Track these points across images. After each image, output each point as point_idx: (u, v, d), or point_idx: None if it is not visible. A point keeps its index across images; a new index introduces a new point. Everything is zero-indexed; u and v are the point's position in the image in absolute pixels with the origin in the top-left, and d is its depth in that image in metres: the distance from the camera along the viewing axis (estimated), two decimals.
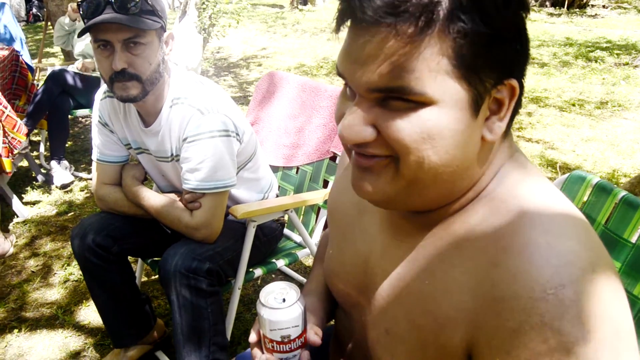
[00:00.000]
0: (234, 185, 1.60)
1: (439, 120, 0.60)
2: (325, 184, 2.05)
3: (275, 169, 2.19)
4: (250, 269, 1.81)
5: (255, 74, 6.21)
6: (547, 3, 11.07)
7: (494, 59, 0.60)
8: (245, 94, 5.41)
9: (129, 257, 1.77)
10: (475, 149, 0.65)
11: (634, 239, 1.10)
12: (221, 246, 1.62)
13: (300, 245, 2.07)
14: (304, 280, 2.45)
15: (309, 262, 2.66)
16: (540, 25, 9.22)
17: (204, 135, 1.51)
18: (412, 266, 0.73)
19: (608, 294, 0.57)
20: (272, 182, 1.94)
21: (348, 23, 0.63)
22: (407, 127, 0.61)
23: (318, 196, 1.91)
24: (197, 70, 4.26)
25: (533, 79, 5.99)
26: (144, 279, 2.51)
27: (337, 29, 0.65)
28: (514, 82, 0.63)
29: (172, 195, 1.68)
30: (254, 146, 1.77)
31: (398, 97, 0.60)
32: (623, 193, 1.13)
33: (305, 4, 10.96)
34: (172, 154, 1.64)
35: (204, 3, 4.04)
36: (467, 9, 0.57)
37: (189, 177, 1.54)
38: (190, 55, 4.03)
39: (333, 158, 2.04)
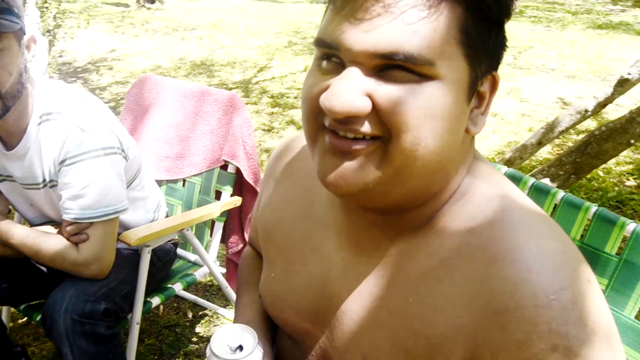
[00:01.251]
0: (127, 210, 1.40)
1: (443, 98, 0.55)
2: (218, 194, 1.92)
3: (157, 183, 2.00)
4: (146, 299, 1.63)
5: (107, 79, 5.74)
6: None
7: (490, 45, 0.58)
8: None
9: None
10: (459, 140, 0.61)
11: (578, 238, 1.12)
12: (115, 280, 1.43)
13: (195, 264, 1.92)
14: (210, 304, 2.28)
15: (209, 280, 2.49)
16: None
17: (87, 156, 1.30)
18: (388, 283, 0.66)
19: (596, 290, 0.58)
20: (160, 200, 1.76)
21: None
22: (411, 101, 0.54)
23: (214, 209, 1.77)
24: (44, 77, 3.81)
25: None
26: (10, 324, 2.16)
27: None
28: (497, 75, 0.62)
29: (48, 228, 1.44)
30: (139, 161, 1.58)
31: (401, 67, 0.54)
32: (562, 193, 1.13)
33: (153, 2, 10.40)
34: (44, 180, 1.40)
35: (45, 2, 3.60)
36: None
37: (72, 206, 1.33)
38: (35, 61, 3.58)
39: (224, 167, 1.91)
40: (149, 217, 1.66)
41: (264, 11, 10.24)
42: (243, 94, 5.28)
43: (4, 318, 1.94)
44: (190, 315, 2.23)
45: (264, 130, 4.41)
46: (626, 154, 3.72)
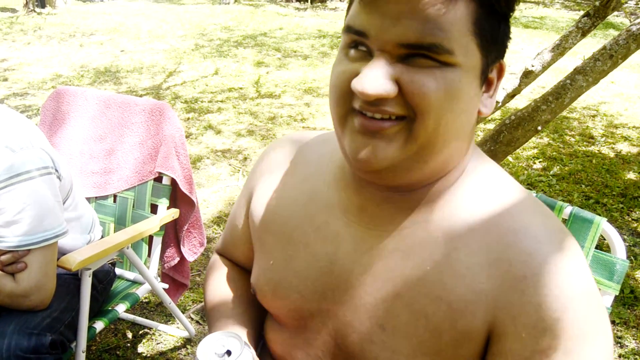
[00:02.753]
0: (67, 232, 1.32)
1: (460, 82, 0.62)
2: (154, 208, 1.84)
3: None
4: (89, 324, 1.54)
5: (3, 91, 5.32)
6: None
7: (499, 36, 0.65)
8: None
9: None
10: (473, 120, 0.68)
11: None
12: (57, 309, 1.34)
13: (135, 282, 1.84)
14: (150, 322, 2.18)
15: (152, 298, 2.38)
16: (292, 20, 9.76)
17: (19, 178, 1.21)
18: (403, 254, 0.70)
19: (584, 258, 0.69)
20: (94, 218, 1.67)
21: None
22: (434, 84, 0.61)
23: (154, 224, 1.70)
24: None
25: (300, 70, 6.31)
26: None
27: None
28: (504, 63, 0.69)
29: None
30: (71, 179, 1.49)
31: (425, 55, 0.60)
32: (533, 193, 1.18)
33: (43, 6, 9.74)
34: None
35: None
36: None
37: (6, 233, 1.22)
38: None
39: (158, 179, 1.84)
40: (85, 239, 1.57)
41: (165, 14, 9.93)
42: None
43: None
44: (130, 335, 2.13)
45: None
46: (531, 139, 4.00)
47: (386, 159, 0.64)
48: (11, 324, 1.22)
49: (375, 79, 0.60)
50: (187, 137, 4.29)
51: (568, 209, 1.14)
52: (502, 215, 0.68)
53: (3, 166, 1.20)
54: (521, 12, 10.95)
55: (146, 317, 2.22)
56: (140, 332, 2.15)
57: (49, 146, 1.33)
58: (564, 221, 1.14)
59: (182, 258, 1.99)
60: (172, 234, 1.96)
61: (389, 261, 0.71)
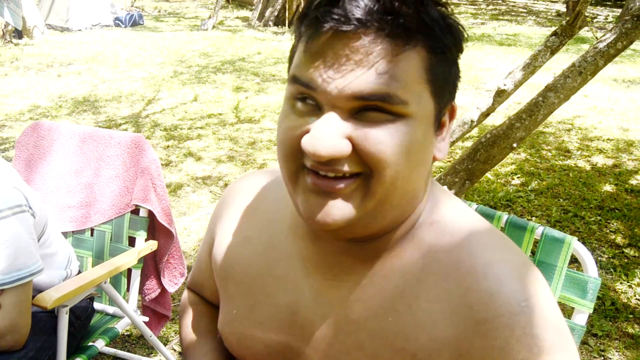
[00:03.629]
0: (42, 270, 1.30)
1: (415, 133, 0.60)
2: (132, 241, 1.83)
3: (63, 235, 1.87)
4: None
5: None
6: (270, 22, 11.87)
7: (451, 80, 0.64)
8: None
9: None
10: (429, 167, 0.67)
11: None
12: (33, 348, 1.32)
13: (115, 316, 1.81)
14: (132, 355, 2.14)
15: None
16: (270, 44, 9.85)
17: None
18: (364, 305, 0.68)
19: (549, 291, 0.66)
20: (70, 253, 1.65)
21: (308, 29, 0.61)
22: (388, 139, 0.59)
23: (131, 258, 1.69)
24: None
25: (279, 94, 6.35)
26: None
27: (312, 36, 0.59)
28: (455, 104, 0.68)
29: None
30: (45, 216, 1.48)
31: (377, 108, 0.59)
32: (506, 216, 1.20)
33: (20, 37, 9.71)
34: None
35: None
36: (445, 25, 0.61)
37: None
38: None
39: (136, 211, 1.83)
40: (61, 275, 1.55)
41: (144, 41, 9.95)
42: (134, 129, 5.09)
43: None
44: None
45: (162, 164, 4.28)
46: (509, 156, 4.07)
47: (342, 219, 0.62)
48: None
49: (328, 138, 0.57)
50: (167, 165, 4.28)
51: (539, 230, 1.16)
52: (461, 256, 0.66)
53: None
54: (495, 29, 11.18)
55: (128, 351, 2.19)
56: None
57: (22, 184, 1.32)
58: (536, 242, 1.16)
59: (163, 289, 1.97)
60: (152, 265, 1.95)
61: (350, 312, 0.69)
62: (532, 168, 4.04)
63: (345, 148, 0.58)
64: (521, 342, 0.61)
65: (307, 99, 0.61)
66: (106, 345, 1.67)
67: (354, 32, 0.57)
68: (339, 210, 0.61)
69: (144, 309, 1.99)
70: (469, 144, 4.42)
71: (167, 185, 3.88)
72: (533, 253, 1.17)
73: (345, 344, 0.69)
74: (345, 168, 0.60)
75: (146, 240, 1.83)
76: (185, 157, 4.43)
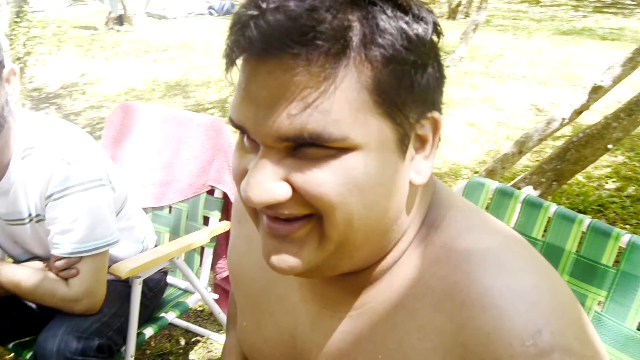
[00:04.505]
0: (118, 242, 1.37)
1: (366, 167, 0.51)
2: (206, 220, 1.89)
3: (143, 210, 1.96)
4: (139, 330, 1.59)
5: (81, 104, 5.66)
6: None
7: (417, 90, 0.52)
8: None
9: None
10: (404, 195, 0.57)
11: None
12: (107, 314, 1.39)
13: (187, 291, 1.88)
14: (202, 330, 2.23)
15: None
16: None
17: (74, 189, 1.27)
18: (355, 339, 0.63)
19: (576, 320, 0.54)
20: (148, 228, 1.73)
21: (240, 60, 0.52)
22: (330, 179, 0.51)
23: (204, 236, 1.74)
24: (18, 104, 3.73)
25: None
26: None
27: (229, 67, 0.52)
28: (437, 115, 0.56)
29: (37, 264, 1.39)
30: (126, 190, 1.55)
31: (314, 144, 0.50)
32: (588, 220, 1.12)
33: (121, 24, 10.30)
34: (30, 215, 1.36)
35: (13, 30, 3.54)
36: (385, 31, 0.49)
37: (60, 241, 1.29)
38: (15, 93, 3.51)
39: (211, 192, 1.89)
40: (137, 248, 1.62)
41: None
42: (220, 113, 5.26)
43: None
44: (182, 342, 2.19)
45: None
46: (604, 157, 3.80)
47: (299, 266, 0.56)
48: (63, 326, 1.28)
49: (260, 185, 0.51)
50: None
51: (626, 237, 1.07)
52: (458, 283, 0.56)
53: (59, 178, 1.27)
54: (597, 22, 10.49)
55: (200, 325, 2.27)
56: (193, 340, 2.20)
57: (104, 159, 1.39)
58: (621, 250, 1.07)
59: None
60: (225, 246, 2.00)
61: (343, 345, 0.64)
62: (629, 172, 3.76)
63: (281, 193, 0.52)
64: None
65: (248, 135, 0.55)
66: (177, 318, 1.74)
67: (269, 60, 0.49)
68: (293, 256, 0.56)
69: (215, 287, 2.05)
70: (559, 143, 4.18)
71: None
72: (617, 262, 1.07)
73: None
74: (291, 211, 0.53)
75: (220, 220, 1.88)
76: None
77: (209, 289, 1.91)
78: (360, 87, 0.49)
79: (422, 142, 0.57)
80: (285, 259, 0.56)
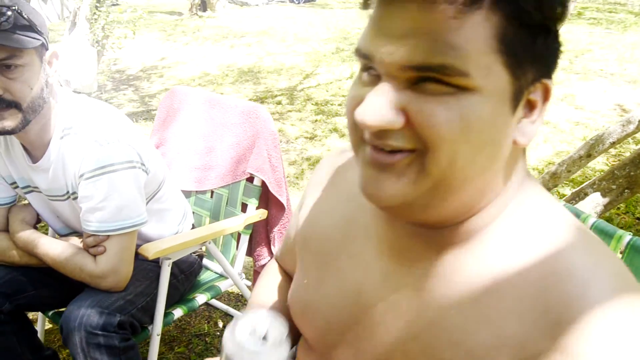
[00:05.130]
0: (145, 223, 1.41)
1: (480, 109, 0.54)
2: (244, 207, 1.90)
3: (187, 194, 2.01)
4: (169, 310, 1.63)
5: (157, 86, 5.90)
6: None
7: (537, 52, 0.56)
8: (148, 108, 5.10)
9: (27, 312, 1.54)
10: (506, 152, 0.59)
11: None
12: (133, 292, 1.43)
13: (221, 276, 1.91)
14: (232, 310, 2.27)
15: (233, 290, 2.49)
16: None
17: (104, 170, 1.32)
18: (429, 295, 0.64)
19: None
20: (186, 211, 1.77)
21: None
22: (445, 114, 0.53)
23: (238, 222, 1.76)
24: (93, 86, 3.95)
25: None
26: (49, 326, 2.22)
27: (366, 4, 0.59)
28: (549, 83, 0.59)
29: (73, 239, 1.46)
30: (163, 173, 1.59)
31: (436, 79, 0.53)
32: (628, 237, 1.01)
33: (204, 10, 10.63)
34: (67, 192, 1.43)
35: (95, 13, 3.73)
36: None
37: (90, 218, 1.35)
38: (84, 70, 3.71)
39: (251, 179, 1.90)
40: (172, 230, 1.66)
41: (313, 17, 10.28)
42: (288, 101, 5.31)
43: (39, 325, 2.00)
44: (220, 324, 2.24)
45: (306, 137, 4.41)
46: None
47: (395, 196, 0.58)
48: (88, 301, 1.33)
49: (377, 108, 0.54)
50: (311, 138, 4.39)
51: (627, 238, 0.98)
52: (546, 257, 0.59)
53: (91, 159, 1.32)
54: None
55: (239, 310, 2.31)
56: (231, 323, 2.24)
57: (138, 142, 1.43)
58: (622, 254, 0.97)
59: (273, 257, 2.04)
60: (264, 233, 2.01)
61: (413, 301, 0.66)
62: None
63: (395, 119, 0.54)
64: (596, 357, 0.52)
65: (371, 69, 0.58)
66: (208, 301, 1.77)
67: None
68: (391, 186, 0.58)
69: (255, 274, 2.07)
70: (635, 147, 3.88)
71: (307, 158, 3.99)
72: None
73: (401, 331, 0.66)
74: (398, 143, 0.56)
75: (258, 208, 1.89)
76: (330, 132, 4.51)
77: (243, 275, 1.93)
78: (489, 33, 0.53)
79: (530, 107, 0.59)
80: (383, 189, 0.58)
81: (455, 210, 0.61)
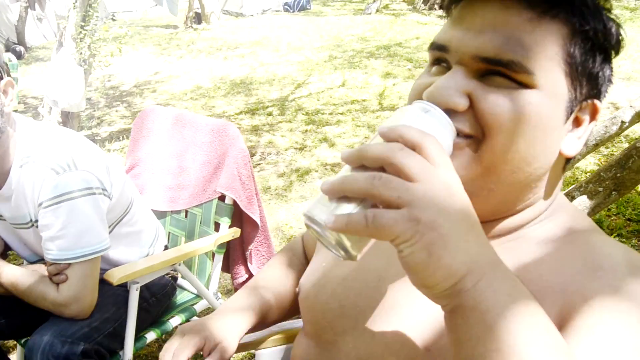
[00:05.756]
0: (107, 249, 1.41)
1: (539, 106, 0.58)
2: (217, 226, 1.90)
3: (163, 214, 2.01)
4: (142, 334, 1.63)
5: (149, 102, 5.92)
6: (436, 6, 11.51)
7: (594, 71, 0.61)
8: None
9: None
10: (551, 159, 0.63)
11: None
12: (99, 319, 1.43)
13: (198, 296, 1.90)
14: None
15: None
16: (432, 29, 9.56)
17: (62, 198, 1.31)
18: None
19: None
20: (158, 233, 1.76)
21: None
22: (508, 104, 0.58)
23: (209, 243, 1.75)
24: (81, 104, 3.96)
25: None
26: None
27: (450, 7, 0.64)
28: (598, 104, 0.63)
29: (36, 267, 1.46)
30: (130, 196, 1.58)
31: (502, 74, 0.58)
32: None
33: (199, 22, 10.68)
34: (31, 220, 1.42)
35: (80, 32, 3.75)
36: (596, 9, 0.59)
37: (50, 247, 1.34)
38: (71, 89, 3.72)
39: (222, 198, 1.89)
40: (143, 252, 1.66)
41: (307, 26, 10.31)
42: (279, 112, 5.31)
43: (17, 350, 1.99)
44: None
45: (296, 148, 4.41)
46: None
47: None
48: (51, 330, 1.33)
49: (446, 88, 0.58)
50: (300, 149, 4.39)
51: None
52: (578, 258, 0.62)
53: (49, 187, 1.32)
54: None
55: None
56: None
57: (98, 168, 1.42)
58: None
59: (251, 275, 2.03)
60: (240, 251, 2.01)
61: None
62: None
63: (461, 101, 0.58)
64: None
65: (441, 62, 0.63)
66: (182, 323, 1.76)
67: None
68: None
69: (235, 291, 2.06)
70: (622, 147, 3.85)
71: (296, 170, 3.99)
72: None
73: (419, 321, 0.66)
74: (460, 125, 0.59)
75: (231, 226, 1.88)
76: (320, 142, 4.51)
77: (219, 294, 1.92)
78: (557, 42, 0.58)
79: (577, 123, 0.63)
80: None
81: (495, 206, 0.64)
